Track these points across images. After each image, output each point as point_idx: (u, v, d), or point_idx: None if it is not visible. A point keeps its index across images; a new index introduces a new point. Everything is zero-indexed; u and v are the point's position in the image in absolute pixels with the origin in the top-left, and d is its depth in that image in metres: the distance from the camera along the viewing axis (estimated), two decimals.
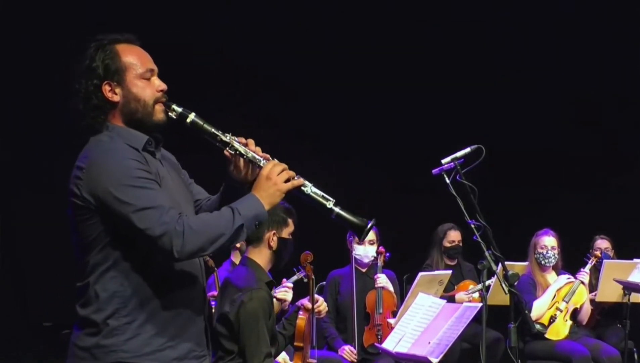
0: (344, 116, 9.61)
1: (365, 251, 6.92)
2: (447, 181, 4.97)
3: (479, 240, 4.93)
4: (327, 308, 5.71)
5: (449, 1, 9.74)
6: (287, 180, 2.98)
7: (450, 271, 7.13)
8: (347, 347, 6.75)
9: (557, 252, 7.25)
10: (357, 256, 6.94)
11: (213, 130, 3.05)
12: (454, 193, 4.93)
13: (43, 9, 8.67)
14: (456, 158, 5.01)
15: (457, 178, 4.96)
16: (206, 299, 3.12)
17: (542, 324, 7.07)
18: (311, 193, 3.01)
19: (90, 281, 2.91)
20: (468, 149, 5.05)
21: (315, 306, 5.30)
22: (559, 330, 7.14)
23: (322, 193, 3.02)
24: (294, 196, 3.04)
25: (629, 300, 7.11)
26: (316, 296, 5.41)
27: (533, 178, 9.71)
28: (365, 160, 9.51)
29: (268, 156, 3.07)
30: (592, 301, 7.41)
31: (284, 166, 3.02)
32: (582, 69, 9.60)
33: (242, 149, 3.06)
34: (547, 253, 7.21)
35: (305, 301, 5.29)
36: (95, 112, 2.99)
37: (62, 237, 9.34)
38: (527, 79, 9.65)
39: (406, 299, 6.27)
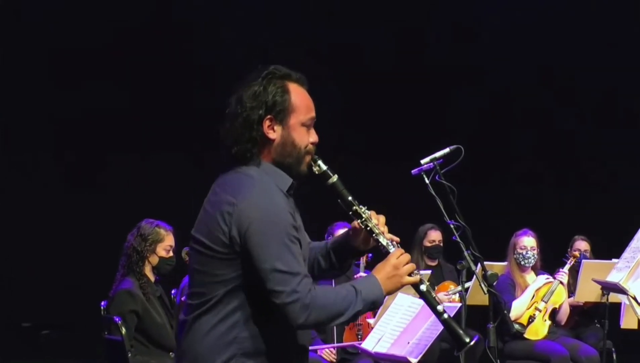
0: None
1: None
2: (427, 181, 4.97)
3: (458, 240, 4.94)
4: None
5: None
6: (410, 274, 2.97)
7: (429, 271, 7.12)
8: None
9: (537, 252, 7.26)
10: None
11: (350, 198, 3.04)
12: (433, 193, 4.94)
13: None
14: (435, 158, 5.00)
15: (437, 178, 4.97)
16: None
17: (521, 324, 7.08)
18: (426, 291, 3.00)
19: (211, 321, 2.86)
20: (447, 150, 5.04)
21: None
22: (538, 330, 7.17)
23: (434, 295, 3.02)
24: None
25: (607, 300, 7.12)
26: None
27: (513, 177, 9.75)
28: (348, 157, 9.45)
29: (396, 239, 3.05)
30: (570, 305, 7.44)
31: (409, 257, 3.00)
32: None
33: (374, 228, 3.02)
34: (526, 253, 7.22)
35: None
36: (250, 142, 2.89)
37: (41, 238, 9.31)
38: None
39: (385, 299, 6.25)
